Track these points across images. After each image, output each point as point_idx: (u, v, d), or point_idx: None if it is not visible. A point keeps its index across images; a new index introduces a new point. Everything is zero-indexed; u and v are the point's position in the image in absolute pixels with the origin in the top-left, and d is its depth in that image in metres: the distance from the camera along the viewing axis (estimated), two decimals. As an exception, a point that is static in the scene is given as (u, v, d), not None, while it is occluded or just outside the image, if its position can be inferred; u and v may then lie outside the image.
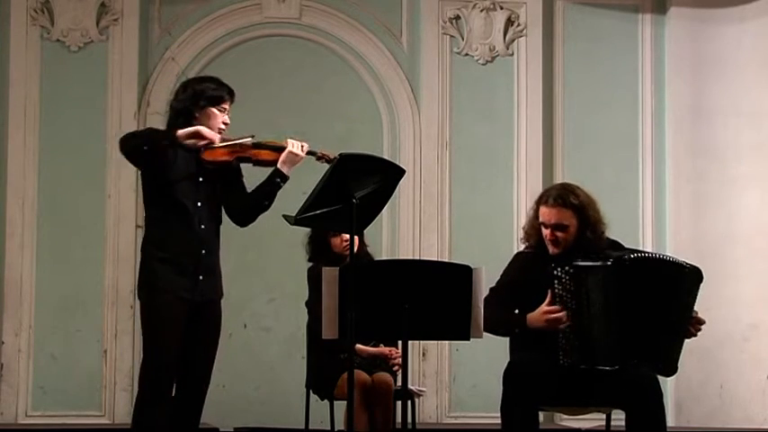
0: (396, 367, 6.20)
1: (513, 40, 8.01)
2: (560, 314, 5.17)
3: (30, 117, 7.58)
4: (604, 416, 5.65)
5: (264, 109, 7.68)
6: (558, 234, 5.30)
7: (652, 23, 8.12)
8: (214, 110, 5.19)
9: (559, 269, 5.19)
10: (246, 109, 7.59)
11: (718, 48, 8.03)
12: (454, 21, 7.99)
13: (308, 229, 6.28)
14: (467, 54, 7.98)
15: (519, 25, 8.01)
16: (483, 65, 7.99)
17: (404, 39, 7.99)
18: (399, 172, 5.19)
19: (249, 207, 5.26)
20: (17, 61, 7.60)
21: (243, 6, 7.90)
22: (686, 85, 8.04)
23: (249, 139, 5.20)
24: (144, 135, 5.22)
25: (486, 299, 5.16)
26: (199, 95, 5.19)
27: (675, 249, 7.57)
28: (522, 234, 5.50)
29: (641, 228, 7.99)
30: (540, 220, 5.34)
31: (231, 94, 5.27)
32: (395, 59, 7.96)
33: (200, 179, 5.17)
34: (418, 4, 7.96)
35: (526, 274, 5.32)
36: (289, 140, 5.25)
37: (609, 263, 5.14)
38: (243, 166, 5.27)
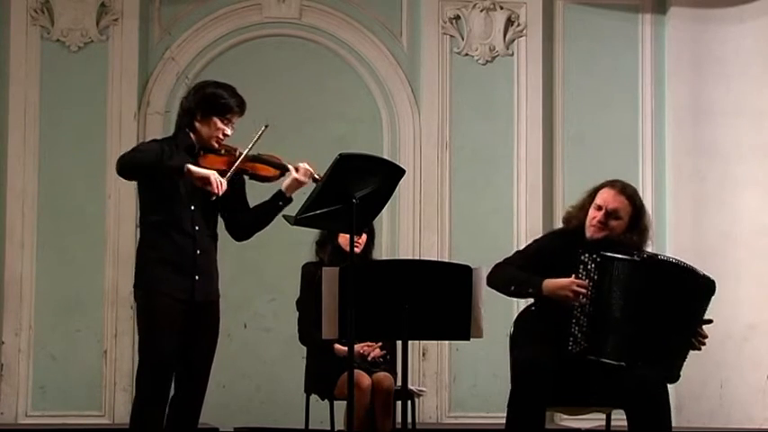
0: (371, 357, 6.17)
1: (513, 40, 8.00)
2: (585, 290, 5.14)
3: (30, 117, 7.58)
4: (604, 416, 5.65)
5: (264, 109, 7.66)
6: (611, 221, 5.26)
7: (652, 23, 8.12)
8: (217, 120, 5.17)
9: (586, 255, 5.18)
10: (246, 109, 7.61)
11: (719, 48, 8.03)
12: (454, 21, 7.99)
13: (316, 232, 6.27)
14: (467, 54, 7.98)
15: (519, 25, 8.00)
16: (483, 65, 7.99)
17: (404, 39, 7.99)
18: (399, 172, 5.19)
19: (248, 224, 5.31)
20: (17, 61, 7.59)
21: (243, 6, 7.90)
22: (686, 85, 8.04)
23: (246, 151, 5.17)
24: (150, 157, 5.08)
25: (508, 258, 5.27)
26: (207, 101, 5.17)
27: (675, 249, 7.56)
28: (564, 214, 5.49)
29: (641, 228, 7.99)
30: (597, 201, 5.31)
31: (241, 106, 5.24)
32: (395, 59, 7.96)
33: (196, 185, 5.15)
34: (418, 4, 7.96)
35: (555, 252, 5.30)
36: (301, 166, 5.22)
37: (638, 258, 5.14)
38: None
